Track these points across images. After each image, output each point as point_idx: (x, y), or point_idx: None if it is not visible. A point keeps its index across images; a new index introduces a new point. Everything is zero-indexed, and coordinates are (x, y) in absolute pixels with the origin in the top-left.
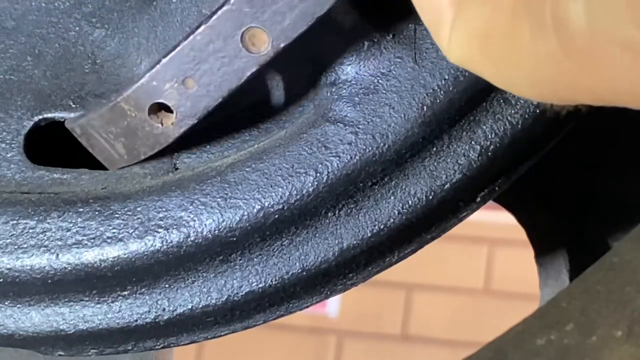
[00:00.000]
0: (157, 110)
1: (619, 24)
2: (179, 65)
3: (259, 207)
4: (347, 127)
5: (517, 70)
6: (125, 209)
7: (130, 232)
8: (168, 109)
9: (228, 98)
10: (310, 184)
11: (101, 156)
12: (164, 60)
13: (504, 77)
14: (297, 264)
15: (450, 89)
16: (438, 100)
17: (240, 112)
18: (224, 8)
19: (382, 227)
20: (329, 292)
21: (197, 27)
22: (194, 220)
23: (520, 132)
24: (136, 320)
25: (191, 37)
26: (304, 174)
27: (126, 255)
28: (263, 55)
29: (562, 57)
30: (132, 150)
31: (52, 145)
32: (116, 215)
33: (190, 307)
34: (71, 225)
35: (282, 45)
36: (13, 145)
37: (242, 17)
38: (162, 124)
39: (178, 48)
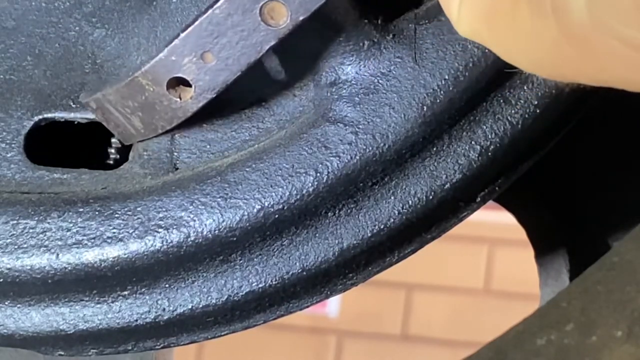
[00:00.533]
0: (176, 85)
1: (622, 22)
2: (198, 40)
3: (259, 207)
4: (347, 127)
5: (518, 48)
6: (125, 209)
7: (130, 232)
8: (186, 83)
9: (246, 72)
10: (310, 184)
11: (116, 130)
12: (182, 35)
13: (507, 53)
14: (297, 264)
15: (450, 89)
16: (438, 100)
17: (240, 112)
18: None
19: (382, 227)
20: (329, 292)
21: (216, 1)
22: (194, 220)
23: (520, 132)
24: (136, 320)
25: (210, 11)
26: (304, 174)
27: (126, 255)
28: (282, 29)
29: (561, 41)
30: (150, 125)
31: (52, 145)
32: (116, 215)
33: (190, 307)
34: (71, 225)
35: (301, 18)
36: (13, 145)
37: None
38: (180, 98)
39: (196, 22)
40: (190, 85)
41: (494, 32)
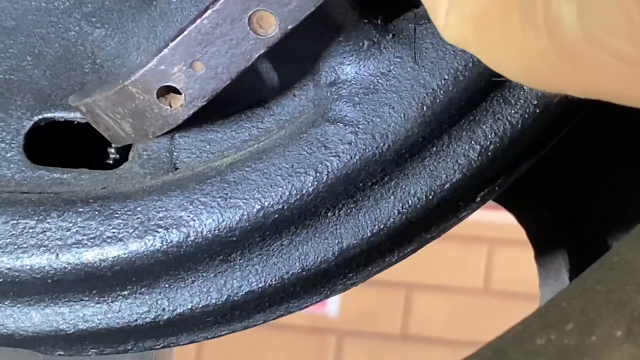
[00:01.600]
0: (166, 93)
1: (614, 36)
2: (187, 49)
3: (259, 207)
4: (347, 127)
5: (508, 58)
6: (125, 209)
7: (131, 232)
8: (177, 92)
9: (236, 80)
10: (310, 184)
11: (107, 133)
12: (171, 44)
13: (496, 62)
14: (297, 264)
15: (450, 89)
16: (438, 100)
17: (240, 112)
18: None
19: (382, 227)
20: (329, 292)
21: (205, 11)
22: (194, 220)
23: (520, 132)
24: (136, 320)
25: (198, 21)
26: (304, 174)
27: (126, 255)
28: (271, 38)
29: (552, 54)
30: (140, 131)
31: (52, 145)
32: (116, 215)
33: (190, 307)
34: (71, 225)
35: (290, 27)
36: (13, 145)
37: (248, 0)
38: (171, 106)
39: (185, 32)
40: (180, 94)
41: (482, 41)
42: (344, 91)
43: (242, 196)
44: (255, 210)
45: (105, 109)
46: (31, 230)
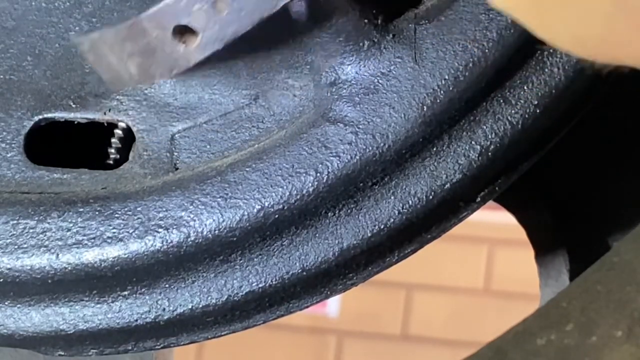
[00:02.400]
0: (181, 33)
1: None
2: None
3: (259, 207)
4: (347, 127)
5: (563, 24)
6: (126, 209)
7: (131, 232)
8: (193, 32)
9: (257, 26)
10: (310, 184)
11: (107, 74)
12: None
13: (548, 29)
14: (297, 264)
15: (450, 89)
16: (438, 100)
17: (240, 112)
18: None
19: (382, 227)
20: (329, 292)
21: None
22: (194, 220)
23: (520, 132)
24: (136, 320)
25: None
26: (304, 174)
27: (126, 255)
28: None
29: (616, 17)
30: (146, 71)
31: (52, 145)
32: (116, 215)
33: (190, 307)
34: (71, 225)
35: None
36: (13, 145)
37: None
38: (184, 46)
39: None
40: (196, 35)
41: (534, 5)
42: (344, 91)
43: (242, 196)
44: (255, 210)
45: (112, 44)
46: (31, 230)
